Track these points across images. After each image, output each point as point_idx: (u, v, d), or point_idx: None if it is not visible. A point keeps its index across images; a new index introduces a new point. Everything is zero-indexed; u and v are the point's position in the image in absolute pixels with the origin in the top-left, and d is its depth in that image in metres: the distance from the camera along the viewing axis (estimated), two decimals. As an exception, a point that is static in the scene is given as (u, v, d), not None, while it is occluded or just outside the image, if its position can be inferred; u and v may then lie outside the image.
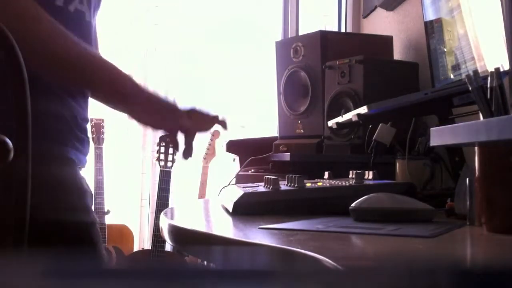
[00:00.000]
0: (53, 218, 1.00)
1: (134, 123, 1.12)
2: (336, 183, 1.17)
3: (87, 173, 1.32)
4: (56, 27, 0.99)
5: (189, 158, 1.15)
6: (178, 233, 0.92)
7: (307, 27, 3.24)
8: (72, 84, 1.08)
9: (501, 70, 0.86)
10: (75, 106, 1.11)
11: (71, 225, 1.06)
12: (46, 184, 0.99)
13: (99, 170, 3.28)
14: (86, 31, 1.12)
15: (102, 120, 3.35)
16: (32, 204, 0.80)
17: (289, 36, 3.19)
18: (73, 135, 1.10)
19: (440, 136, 0.86)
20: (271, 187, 1.09)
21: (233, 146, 2.37)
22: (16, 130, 0.78)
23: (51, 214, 0.99)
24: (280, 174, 1.37)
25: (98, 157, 3.31)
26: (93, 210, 1.19)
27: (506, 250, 0.71)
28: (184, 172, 3.49)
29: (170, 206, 3.22)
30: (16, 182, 0.79)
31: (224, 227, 1.01)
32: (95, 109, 1.25)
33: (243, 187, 1.18)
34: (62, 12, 1.04)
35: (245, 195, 1.06)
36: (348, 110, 1.78)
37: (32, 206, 0.80)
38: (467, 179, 0.89)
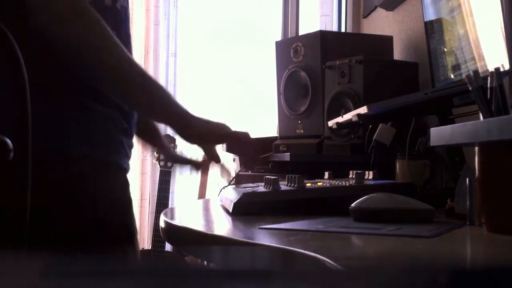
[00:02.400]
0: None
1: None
2: (336, 183, 1.17)
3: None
4: (110, 39, 0.95)
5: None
6: (178, 233, 0.92)
7: (307, 27, 3.24)
8: (122, 97, 1.04)
9: (501, 70, 0.86)
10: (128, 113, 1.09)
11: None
12: (100, 195, 0.99)
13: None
14: (129, 27, 1.10)
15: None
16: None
17: (289, 36, 3.19)
18: (126, 143, 1.09)
19: (440, 136, 0.86)
20: (271, 187, 1.09)
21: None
22: (17, 131, 0.78)
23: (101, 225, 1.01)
24: (280, 174, 1.37)
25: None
26: None
27: (506, 250, 0.71)
28: (184, 172, 3.48)
29: (170, 206, 3.21)
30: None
31: (224, 227, 1.01)
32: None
33: (243, 187, 1.18)
34: (112, 11, 1.01)
35: (245, 195, 1.05)
36: (348, 110, 1.78)
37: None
38: (467, 179, 0.89)
